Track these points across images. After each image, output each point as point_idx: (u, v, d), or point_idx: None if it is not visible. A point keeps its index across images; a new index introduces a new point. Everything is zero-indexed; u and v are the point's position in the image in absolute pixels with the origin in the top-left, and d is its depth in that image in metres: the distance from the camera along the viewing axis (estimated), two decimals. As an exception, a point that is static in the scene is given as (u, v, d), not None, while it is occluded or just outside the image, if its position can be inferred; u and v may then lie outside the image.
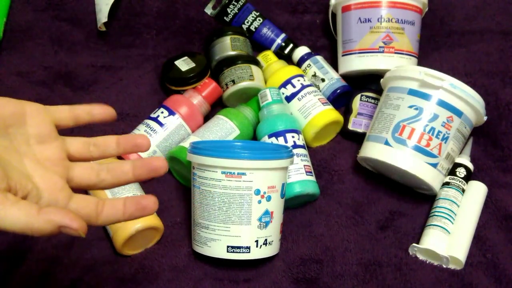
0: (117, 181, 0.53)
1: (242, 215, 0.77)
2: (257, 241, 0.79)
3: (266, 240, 0.79)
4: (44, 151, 0.50)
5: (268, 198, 0.78)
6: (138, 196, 0.51)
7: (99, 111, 0.55)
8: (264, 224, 0.79)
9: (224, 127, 0.93)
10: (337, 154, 0.97)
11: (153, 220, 0.84)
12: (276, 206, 0.80)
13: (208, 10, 1.11)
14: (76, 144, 0.54)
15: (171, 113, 0.94)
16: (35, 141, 0.50)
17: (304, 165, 0.90)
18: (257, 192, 0.77)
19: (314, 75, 1.04)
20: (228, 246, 0.78)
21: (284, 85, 1.00)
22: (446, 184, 0.89)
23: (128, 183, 0.53)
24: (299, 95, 0.98)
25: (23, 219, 0.43)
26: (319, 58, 1.05)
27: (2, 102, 0.48)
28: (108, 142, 0.55)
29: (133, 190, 0.85)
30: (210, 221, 0.79)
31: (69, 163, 0.52)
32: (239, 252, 0.79)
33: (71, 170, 0.51)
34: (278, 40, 1.09)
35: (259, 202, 0.78)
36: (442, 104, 0.86)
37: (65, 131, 0.55)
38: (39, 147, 0.50)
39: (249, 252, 0.79)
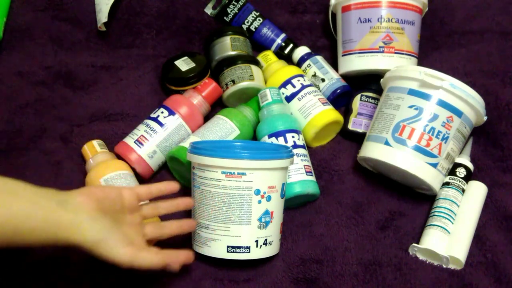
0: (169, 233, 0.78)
1: (242, 215, 0.77)
2: (257, 241, 0.79)
3: (266, 240, 0.79)
4: (133, 217, 0.73)
5: (268, 198, 0.78)
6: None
7: (166, 188, 0.77)
8: (264, 224, 0.79)
9: (224, 127, 0.93)
10: (337, 154, 0.97)
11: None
12: (276, 206, 0.80)
13: (208, 10, 1.11)
14: (148, 209, 0.76)
15: (171, 113, 0.94)
16: (128, 212, 0.73)
17: (304, 165, 0.90)
18: (257, 192, 0.77)
19: (314, 75, 1.03)
20: (228, 246, 0.78)
21: (284, 85, 1.00)
22: (446, 184, 0.89)
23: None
24: (299, 95, 0.98)
25: (154, 260, 0.69)
26: (319, 58, 1.05)
27: (108, 189, 0.71)
28: (169, 206, 0.78)
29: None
30: (210, 221, 0.79)
31: (143, 223, 0.75)
32: (239, 252, 0.78)
33: (144, 228, 0.74)
34: (278, 40, 1.09)
35: (259, 202, 0.78)
36: (442, 104, 0.86)
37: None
38: (130, 215, 0.73)
39: (249, 252, 0.79)
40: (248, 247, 0.79)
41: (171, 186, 0.77)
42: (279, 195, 0.80)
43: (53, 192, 0.67)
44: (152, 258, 0.69)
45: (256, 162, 0.77)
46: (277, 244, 0.82)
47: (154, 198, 0.78)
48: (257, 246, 0.79)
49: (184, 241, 0.86)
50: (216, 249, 0.79)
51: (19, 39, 1.06)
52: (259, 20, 1.10)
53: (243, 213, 0.77)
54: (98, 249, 0.66)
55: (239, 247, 0.78)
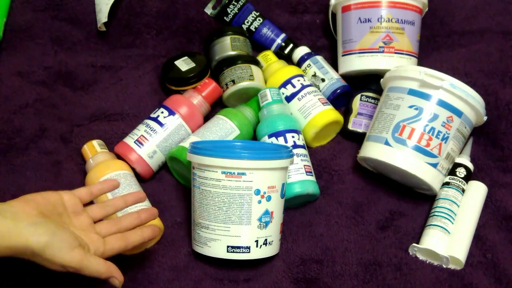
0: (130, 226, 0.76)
1: (242, 215, 0.77)
2: (257, 241, 0.79)
3: (266, 240, 0.79)
4: (79, 220, 0.72)
5: (268, 198, 0.78)
6: (146, 224, 0.77)
7: (108, 185, 0.77)
8: (264, 224, 0.79)
9: (224, 127, 0.93)
10: (337, 154, 0.97)
11: (153, 221, 0.84)
12: (276, 206, 0.80)
13: (208, 10, 1.11)
14: (95, 209, 0.75)
15: (171, 113, 0.94)
16: (73, 215, 0.72)
17: (304, 165, 0.90)
18: (257, 192, 0.77)
19: (314, 75, 1.03)
20: (228, 246, 0.78)
21: (284, 85, 1.00)
22: (446, 184, 0.89)
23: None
24: (299, 95, 0.98)
25: (100, 268, 0.67)
26: (319, 58, 1.05)
27: (47, 194, 0.70)
28: (117, 203, 0.77)
29: (133, 191, 0.86)
30: (210, 221, 0.79)
31: (94, 223, 0.74)
32: (239, 252, 0.79)
33: (97, 227, 0.73)
34: (278, 40, 1.09)
35: (259, 202, 0.78)
36: (442, 104, 0.86)
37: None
38: (75, 218, 0.72)
39: (249, 252, 0.79)
40: (248, 247, 0.79)
41: (112, 182, 0.77)
42: (279, 195, 0.80)
43: None
44: (99, 265, 0.67)
45: (256, 162, 0.77)
46: (277, 244, 0.82)
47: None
48: (257, 246, 0.79)
49: (182, 240, 0.86)
50: (216, 249, 0.79)
51: (19, 39, 1.06)
52: (259, 20, 1.10)
53: (243, 213, 0.77)
54: (44, 254, 0.64)
55: (239, 247, 0.78)
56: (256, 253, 0.79)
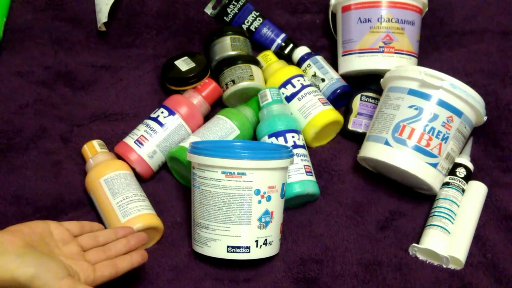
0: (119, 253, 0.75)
1: (242, 215, 0.77)
2: (257, 241, 0.79)
3: (266, 240, 0.79)
4: (68, 248, 0.71)
5: (268, 198, 0.78)
6: (134, 250, 0.76)
7: (98, 227, 0.77)
8: (264, 224, 0.79)
9: (224, 127, 0.93)
10: (337, 154, 0.97)
11: (153, 220, 0.84)
12: (276, 206, 0.80)
13: (208, 10, 1.11)
14: (85, 239, 0.74)
15: (171, 113, 0.94)
16: (61, 244, 0.71)
17: (304, 165, 0.90)
18: (257, 192, 0.77)
19: (314, 75, 1.03)
20: (228, 246, 0.78)
21: (284, 85, 1.00)
22: (446, 184, 0.89)
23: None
24: (299, 95, 0.98)
25: None
26: (319, 58, 1.05)
27: (34, 224, 0.69)
28: (108, 235, 0.76)
29: (133, 191, 0.86)
30: (210, 221, 0.79)
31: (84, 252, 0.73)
32: (239, 252, 0.79)
33: (87, 255, 0.72)
34: (278, 40, 1.09)
35: (259, 202, 0.78)
36: (442, 104, 0.86)
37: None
38: (64, 247, 0.71)
39: (249, 252, 0.79)
40: (248, 247, 0.79)
41: (98, 227, 0.77)
42: (279, 195, 0.80)
43: None
44: None
45: (256, 162, 0.77)
46: (277, 244, 0.82)
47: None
48: (257, 246, 0.79)
49: (182, 240, 0.86)
50: (216, 249, 0.79)
51: (19, 39, 1.06)
52: (259, 20, 1.10)
53: (243, 213, 0.77)
54: (32, 286, 0.63)
55: (239, 247, 0.78)
56: (256, 253, 0.79)
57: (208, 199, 0.78)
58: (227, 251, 0.79)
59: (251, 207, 0.78)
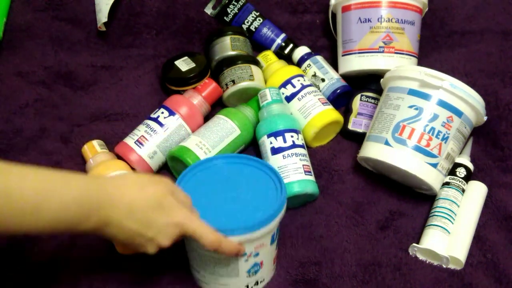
0: None
1: (229, 272, 0.75)
2: (247, 285, 0.77)
3: (257, 281, 0.77)
4: None
5: (256, 255, 0.75)
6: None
7: None
8: (254, 272, 0.76)
9: (224, 127, 0.93)
10: (337, 154, 0.97)
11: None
12: (265, 254, 0.76)
13: (208, 10, 1.11)
14: None
15: (171, 113, 0.94)
16: None
17: (303, 165, 0.90)
18: (244, 255, 0.74)
19: (314, 75, 1.04)
20: None
21: (284, 85, 1.00)
22: (446, 184, 0.89)
23: None
24: (299, 95, 0.98)
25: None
26: (319, 58, 1.05)
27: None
28: None
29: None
30: (200, 268, 0.77)
31: None
32: None
33: None
34: (278, 40, 1.09)
35: (246, 260, 0.74)
36: (442, 104, 0.86)
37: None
38: None
39: None
40: None
41: None
42: (268, 245, 0.76)
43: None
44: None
45: (240, 237, 0.71)
46: (271, 273, 0.80)
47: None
48: None
49: (180, 240, 0.86)
50: None
51: (19, 39, 1.06)
52: (259, 20, 1.10)
53: (230, 270, 0.75)
54: None
55: None
56: None
57: (195, 254, 0.76)
58: None
59: (238, 266, 0.75)
